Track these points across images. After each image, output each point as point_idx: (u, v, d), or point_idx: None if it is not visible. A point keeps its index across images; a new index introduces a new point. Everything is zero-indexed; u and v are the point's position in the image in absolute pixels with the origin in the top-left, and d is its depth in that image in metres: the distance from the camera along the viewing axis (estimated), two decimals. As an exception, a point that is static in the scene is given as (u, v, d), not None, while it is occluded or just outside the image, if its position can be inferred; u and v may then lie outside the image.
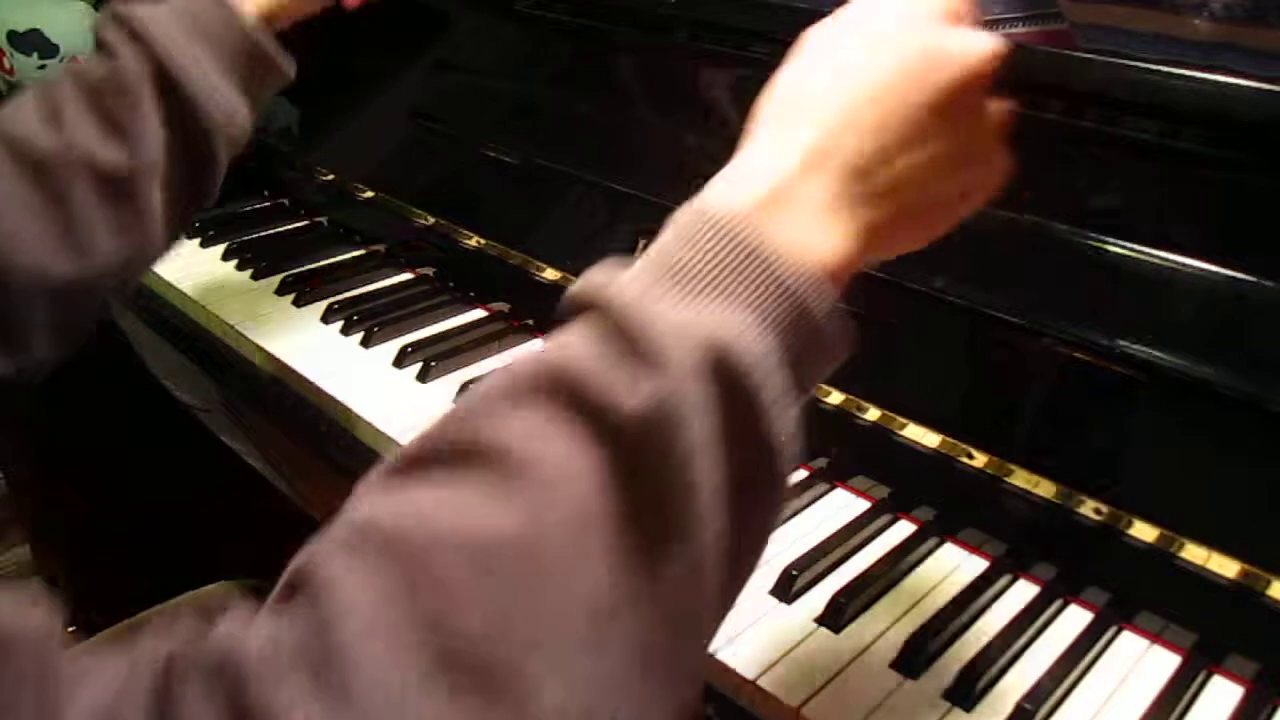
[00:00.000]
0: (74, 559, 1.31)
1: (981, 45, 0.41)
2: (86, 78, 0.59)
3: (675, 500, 0.32)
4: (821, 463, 0.69)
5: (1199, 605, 0.55)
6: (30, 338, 0.59)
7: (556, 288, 0.83)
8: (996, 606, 0.59)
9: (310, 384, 0.78)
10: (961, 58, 0.40)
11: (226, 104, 0.61)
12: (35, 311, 0.58)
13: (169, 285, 0.93)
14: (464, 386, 0.76)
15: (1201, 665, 0.54)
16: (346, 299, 0.90)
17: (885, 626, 0.57)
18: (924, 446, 0.63)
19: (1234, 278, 0.56)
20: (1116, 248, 0.59)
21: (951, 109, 0.40)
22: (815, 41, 0.43)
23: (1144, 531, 0.56)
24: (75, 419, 1.26)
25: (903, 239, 0.42)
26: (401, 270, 0.96)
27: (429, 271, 0.96)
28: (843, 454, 0.68)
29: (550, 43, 0.92)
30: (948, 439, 0.62)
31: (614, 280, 0.38)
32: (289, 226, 1.06)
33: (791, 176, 0.39)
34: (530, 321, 0.86)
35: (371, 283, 0.94)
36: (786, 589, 0.58)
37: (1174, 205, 0.59)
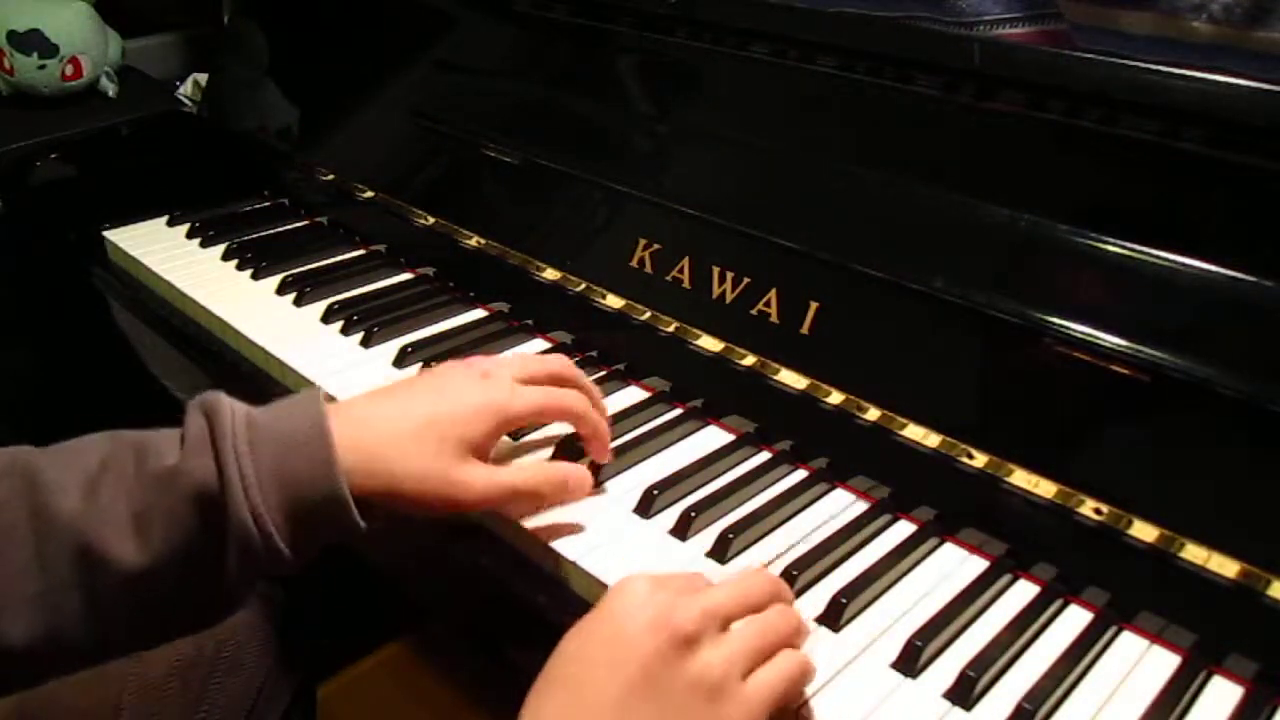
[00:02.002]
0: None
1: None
2: (145, 461, 0.53)
3: None
4: (821, 463, 0.69)
5: (1199, 605, 0.55)
6: None
7: (556, 288, 0.83)
8: (996, 606, 0.59)
9: (310, 384, 0.78)
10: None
11: (270, 552, 0.53)
12: None
13: (169, 285, 0.93)
14: (464, 386, 0.76)
15: (1201, 665, 0.54)
16: (346, 299, 0.90)
17: (885, 626, 0.57)
18: (924, 446, 0.64)
19: (1234, 278, 0.56)
20: (1116, 248, 0.59)
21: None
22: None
23: (1144, 531, 0.56)
24: (75, 419, 1.26)
25: None
26: (401, 270, 0.96)
27: (429, 271, 0.96)
28: (842, 454, 0.68)
29: (550, 43, 0.92)
30: (948, 439, 0.62)
31: None
32: (289, 226, 1.06)
33: None
34: (530, 321, 0.86)
35: (371, 283, 0.94)
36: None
37: (1174, 205, 0.59)
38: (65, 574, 0.51)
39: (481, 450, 0.59)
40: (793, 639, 0.51)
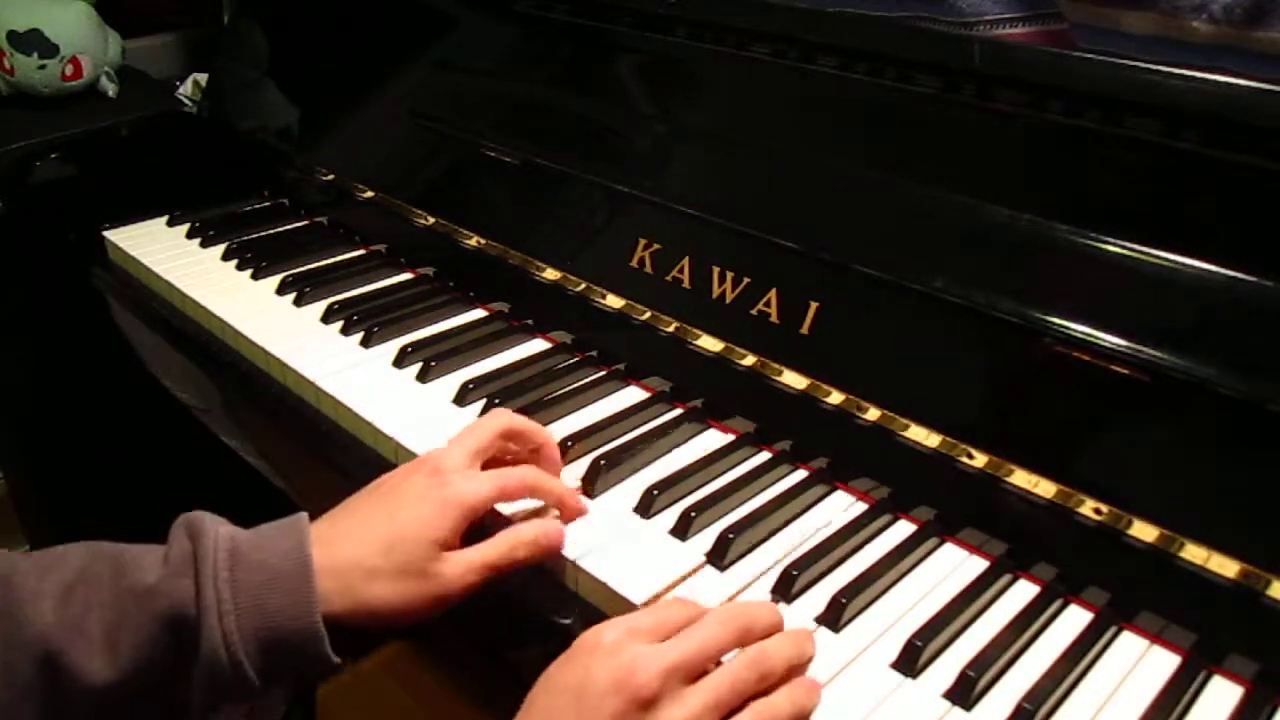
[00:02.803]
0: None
1: None
2: (124, 576, 0.53)
3: None
4: (821, 463, 0.69)
5: (1199, 605, 0.55)
6: None
7: (556, 288, 0.83)
8: (996, 606, 0.59)
9: (310, 384, 0.78)
10: None
11: (239, 681, 0.53)
12: None
13: (169, 285, 0.93)
14: (464, 386, 0.76)
15: (1201, 665, 0.54)
16: (346, 299, 0.90)
17: (885, 626, 0.57)
18: (924, 446, 0.64)
19: (1234, 278, 0.56)
20: (1116, 248, 0.59)
21: None
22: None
23: (1144, 531, 0.56)
24: (75, 419, 1.26)
25: None
26: (401, 270, 0.96)
27: (429, 271, 0.96)
28: (842, 454, 0.68)
29: (550, 43, 0.92)
30: (948, 439, 0.62)
31: None
32: (289, 226, 1.06)
33: None
34: (530, 321, 0.86)
35: (371, 283, 0.94)
36: (787, 589, 0.58)
37: (1174, 205, 0.59)
38: (27, 680, 0.51)
39: (453, 545, 0.58)
40: (768, 679, 0.51)
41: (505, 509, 0.64)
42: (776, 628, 0.54)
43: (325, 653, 0.54)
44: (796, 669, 0.53)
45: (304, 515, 0.57)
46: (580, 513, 0.64)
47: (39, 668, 0.51)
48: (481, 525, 0.61)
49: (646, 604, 0.57)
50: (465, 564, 0.58)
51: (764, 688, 0.51)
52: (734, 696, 0.50)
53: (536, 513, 0.64)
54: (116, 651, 0.52)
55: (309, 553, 0.54)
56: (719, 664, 0.51)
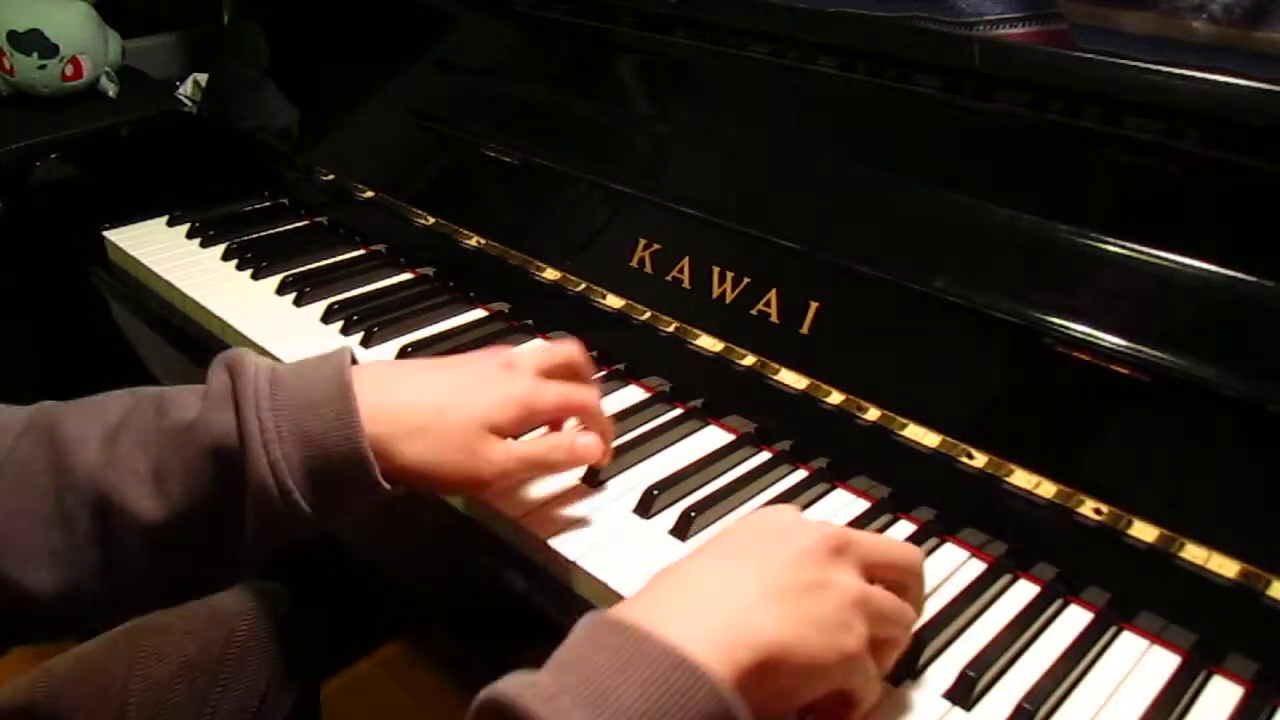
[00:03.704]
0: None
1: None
2: (166, 415, 0.53)
3: None
4: (821, 463, 0.69)
5: (1199, 605, 0.55)
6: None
7: (556, 288, 0.83)
8: (996, 606, 0.59)
9: (310, 384, 0.78)
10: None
11: (290, 509, 0.52)
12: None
13: (169, 285, 0.93)
14: (464, 386, 0.76)
15: (1201, 665, 0.54)
16: (346, 299, 0.90)
17: (885, 626, 0.57)
18: (924, 446, 0.64)
19: (1234, 278, 0.56)
20: (1116, 248, 0.59)
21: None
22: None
23: (1144, 531, 0.56)
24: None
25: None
26: (401, 270, 0.96)
27: (429, 271, 0.96)
28: (842, 454, 0.68)
29: (550, 43, 0.92)
30: (948, 439, 0.62)
31: (530, 687, 0.41)
32: (289, 226, 1.06)
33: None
34: (530, 321, 0.86)
35: (371, 283, 0.94)
36: (786, 589, 0.58)
37: (1174, 205, 0.59)
38: (85, 526, 0.51)
39: (504, 433, 0.59)
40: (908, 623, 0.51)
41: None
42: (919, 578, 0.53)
43: (374, 477, 0.53)
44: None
45: (346, 347, 0.57)
46: (606, 455, 0.64)
47: (93, 511, 0.51)
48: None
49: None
50: (510, 453, 0.58)
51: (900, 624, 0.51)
52: (892, 616, 0.49)
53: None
54: (165, 489, 0.51)
55: (350, 380, 0.54)
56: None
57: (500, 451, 0.58)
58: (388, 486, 0.54)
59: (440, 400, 0.57)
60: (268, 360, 0.55)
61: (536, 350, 0.63)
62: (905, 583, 0.51)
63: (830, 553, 0.47)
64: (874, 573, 0.50)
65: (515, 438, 0.60)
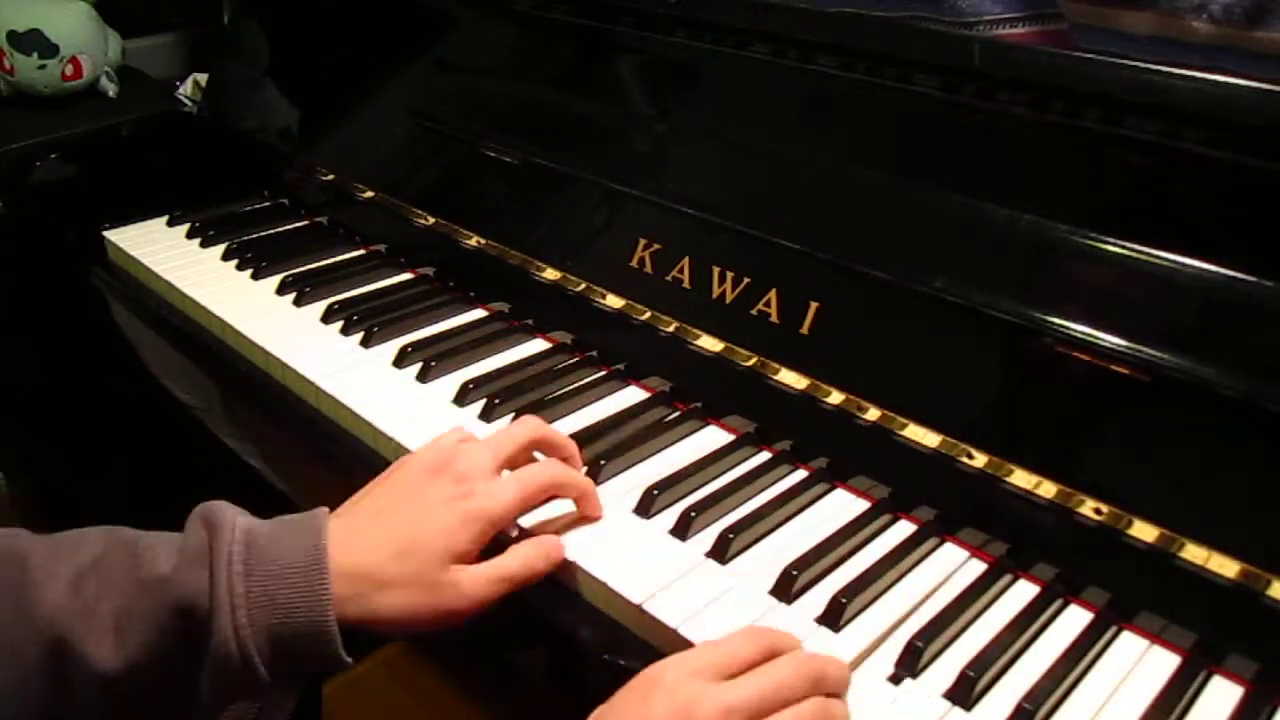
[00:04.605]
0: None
1: None
2: (140, 565, 0.53)
3: None
4: (821, 463, 0.69)
5: (1199, 605, 0.55)
6: None
7: (556, 288, 0.83)
8: (996, 606, 0.59)
9: (310, 384, 0.78)
10: None
11: (249, 676, 0.52)
12: None
13: (169, 285, 0.93)
14: (464, 386, 0.76)
15: (1201, 665, 0.54)
16: (346, 299, 0.90)
17: (885, 626, 0.57)
18: (924, 446, 0.63)
19: (1234, 278, 0.56)
20: (1116, 248, 0.59)
21: None
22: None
23: (1144, 531, 0.56)
24: (75, 419, 1.26)
25: None
26: (401, 270, 0.96)
27: (429, 271, 0.96)
28: (842, 454, 0.68)
29: (550, 43, 0.92)
30: (948, 439, 0.62)
31: None
32: (289, 226, 1.06)
33: None
34: (530, 321, 0.86)
35: (371, 283, 0.94)
36: (786, 589, 0.58)
37: (1174, 205, 0.59)
38: (37, 665, 0.51)
39: (471, 559, 0.58)
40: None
41: (527, 521, 0.63)
42: (843, 684, 0.52)
43: (337, 652, 0.54)
44: None
45: (323, 511, 0.57)
46: (598, 511, 0.63)
47: (48, 650, 0.51)
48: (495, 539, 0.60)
49: (645, 604, 0.57)
50: (482, 578, 0.57)
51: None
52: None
53: (550, 522, 0.63)
54: (126, 639, 0.51)
55: (325, 550, 0.54)
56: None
57: (474, 580, 0.57)
58: (349, 661, 0.54)
59: (397, 545, 0.56)
60: (246, 519, 0.55)
61: (488, 445, 0.61)
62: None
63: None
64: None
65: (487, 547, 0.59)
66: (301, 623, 0.53)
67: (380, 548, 0.56)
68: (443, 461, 0.60)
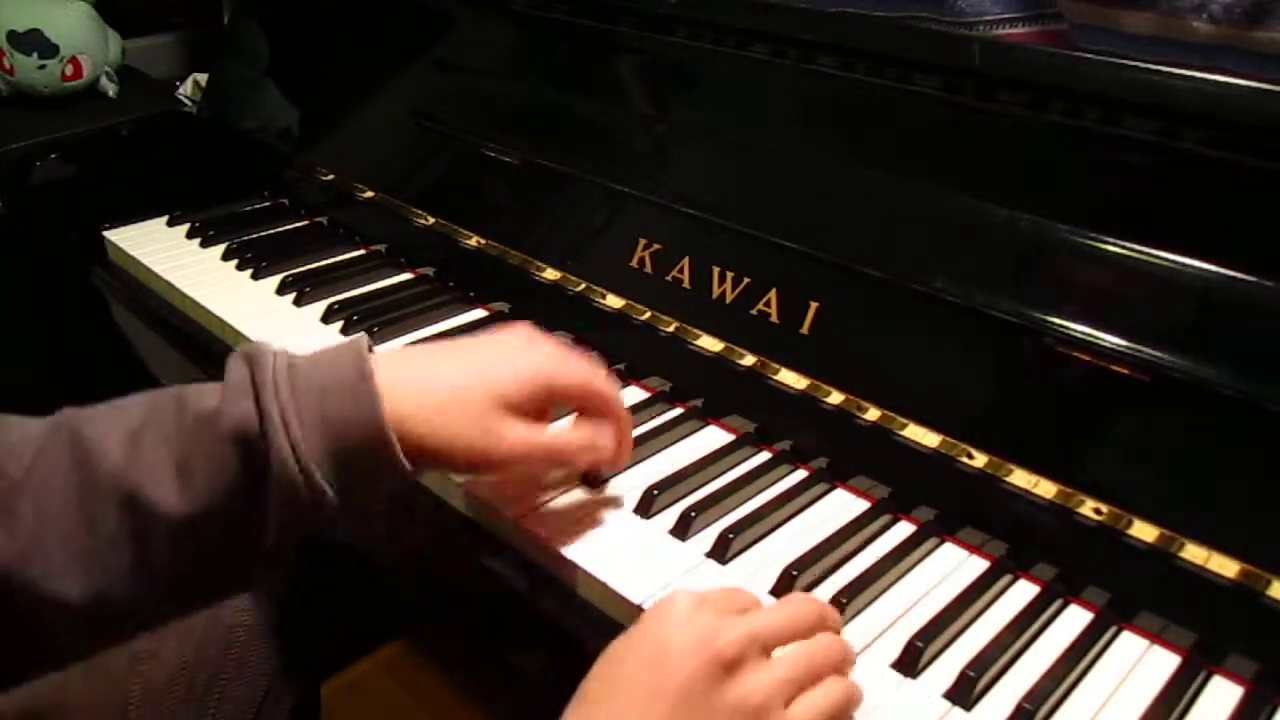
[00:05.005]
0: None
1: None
2: (187, 409, 0.53)
3: None
4: (821, 463, 0.69)
5: (1199, 605, 0.55)
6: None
7: (557, 288, 0.83)
8: (996, 606, 0.59)
9: (310, 384, 0.78)
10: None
11: (313, 494, 0.52)
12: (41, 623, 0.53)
13: (169, 285, 0.93)
14: (464, 386, 0.76)
15: (1201, 665, 0.54)
16: (346, 299, 0.90)
17: (885, 626, 0.57)
18: (924, 446, 0.64)
19: (1234, 278, 0.56)
20: (1116, 248, 0.59)
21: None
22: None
23: (1144, 531, 0.56)
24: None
25: None
26: (401, 270, 0.96)
27: (429, 271, 0.96)
28: (842, 454, 0.68)
29: (550, 43, 0.92)
30: (948, 439, 0.62)
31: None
32: (289, 226, 1.06)
33: None
34: (530, 321, 0.86)
35: (371, 283, 0.94)
36: (787, 589, 0.58)
37: (1174, 205, 0.59)
38: (111, 527, 0.51)
39: (523, 414, 0.57)
40: (840, 668, 0.51)
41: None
42: (838, 626, 0.54)
43: (395, 457, 0.53)
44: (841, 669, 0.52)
45: (362, 335, 0.57)
46: (622, 458, 0.63)
47: (119, 510, 0.51)
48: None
49: (645, 604, 0.57)
50: (525, 437, 0.57)
51: (842, 672, 0.50)
52: (813, 674, 0.49)
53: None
54: (190, 481, 0.51)
55: (368, 362, 0.54)
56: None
57: (516, 433, 0.57)
58: (410, 467, 0.53)
59: (455, 378, 0.56)
60: (285, 350, 0.55)
61: (566, 352, 0.61)
62: (812, 638, 0.51)
63: (715, 675, 0.46)
64: (778, 644, 0.49)
65: (540, 420, 0.59)
66: (355, 432, 0.52)
67: (435, 373, 0.56)
68: (517, 327, 0.61)
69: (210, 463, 0.51)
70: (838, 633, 0.53)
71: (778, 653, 0.49)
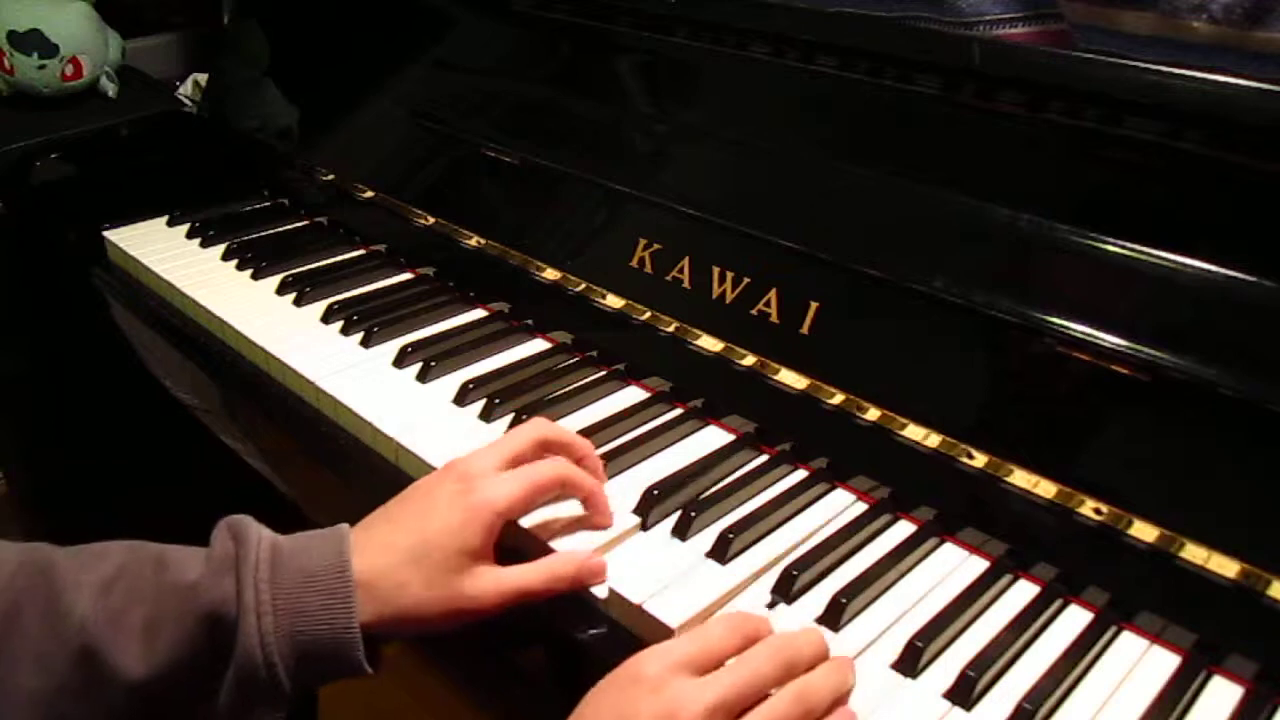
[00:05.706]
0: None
1: None
2: (166, 572, 0.54)
3: None
4: (821, 463, 0.69)
5: (1199, 605, 0.55)
6: None
7: (557, 288, 0.83)
8: (996, 606, 0.59)
9: (310, 384, 0.78)
10: None
11: (270, 684, 0.53)
12: None
13: (169, 285, 0.93)
14: (464, 386, 0.76)
15: (1201, 665, 0.54)
16: (346, 299, 0.90)
17: (885, 626, 0.57)
18: (924, 446, 0.64)
19: (1234, 278, 0.56)
20: (1116, 248, 0.59)
21: None
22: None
23: (1144, 531, 0.56)
24: (75, 419, 1.26)
25: None
26: (401, 270, 0.96)
27: (429, 271, 0.96)
28: (842, 454, 0.68)
29: (550, 43, 0.92)
30: (948, 439, 0.62)
31: None
32: (289, 226, 1.06)
33: None
34: (530, 321, 0.86)
35: (371, 283, 0.94)
36: (787, 589, 0.58)
37: (1174, 205, 0.59)
38: (65, 674, 0.51)
39: (484, 555, 0.58)
40: (810, 717, 0.50)
41: (529, 521, 0.62)
42: (822, 657, 0.53)
43: (358, 659, 0.54)
44: (839, 700, 0.52)
45: (345, 526, 0.57)
46: (606, 512, 0.63)
47: (77, 659, 0.51)
48: (515, 548, 0.60)
49: (645, 603, 0.57)
50: (497, 581, 0.57)
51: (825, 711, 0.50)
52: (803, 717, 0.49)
53: (568, 525, 0.63)
54: (154, 646, 0.52)
55: (349, 560, 0.54)
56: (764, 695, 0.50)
57: (489, 581, 0.57)
58: (369, 670, 0.54)
59: (411, 547, 0.56)
60: (270, 533, 0.56)
61: (493, 447, 0.62)
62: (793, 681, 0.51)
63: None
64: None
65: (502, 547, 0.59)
66: (325, 630, 0.53)
67: (395, 551, 0.56)
68: (449, 465, 0.61)
69: (179, 631, 0.52)
70: (818, 663, 0.52)
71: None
